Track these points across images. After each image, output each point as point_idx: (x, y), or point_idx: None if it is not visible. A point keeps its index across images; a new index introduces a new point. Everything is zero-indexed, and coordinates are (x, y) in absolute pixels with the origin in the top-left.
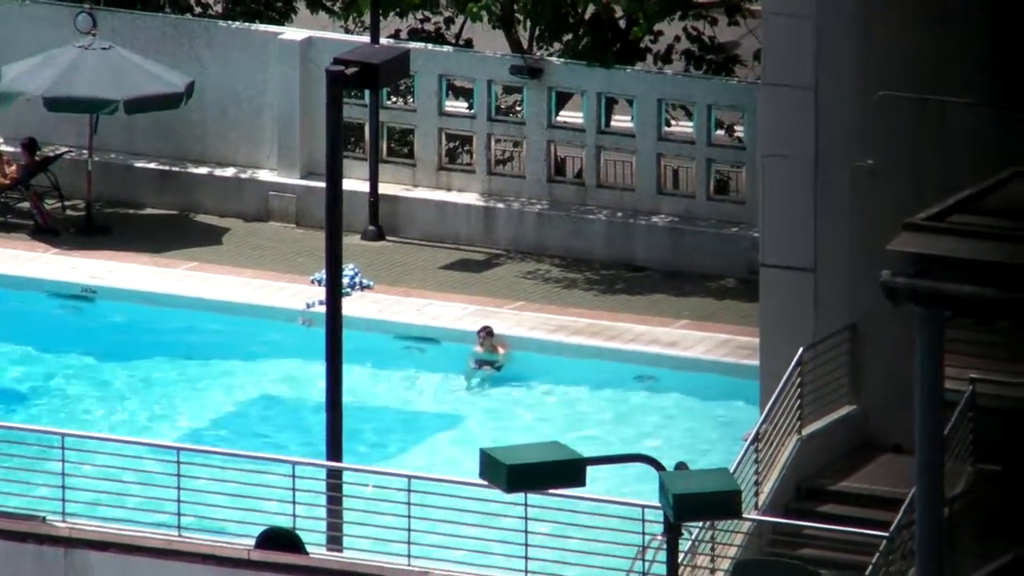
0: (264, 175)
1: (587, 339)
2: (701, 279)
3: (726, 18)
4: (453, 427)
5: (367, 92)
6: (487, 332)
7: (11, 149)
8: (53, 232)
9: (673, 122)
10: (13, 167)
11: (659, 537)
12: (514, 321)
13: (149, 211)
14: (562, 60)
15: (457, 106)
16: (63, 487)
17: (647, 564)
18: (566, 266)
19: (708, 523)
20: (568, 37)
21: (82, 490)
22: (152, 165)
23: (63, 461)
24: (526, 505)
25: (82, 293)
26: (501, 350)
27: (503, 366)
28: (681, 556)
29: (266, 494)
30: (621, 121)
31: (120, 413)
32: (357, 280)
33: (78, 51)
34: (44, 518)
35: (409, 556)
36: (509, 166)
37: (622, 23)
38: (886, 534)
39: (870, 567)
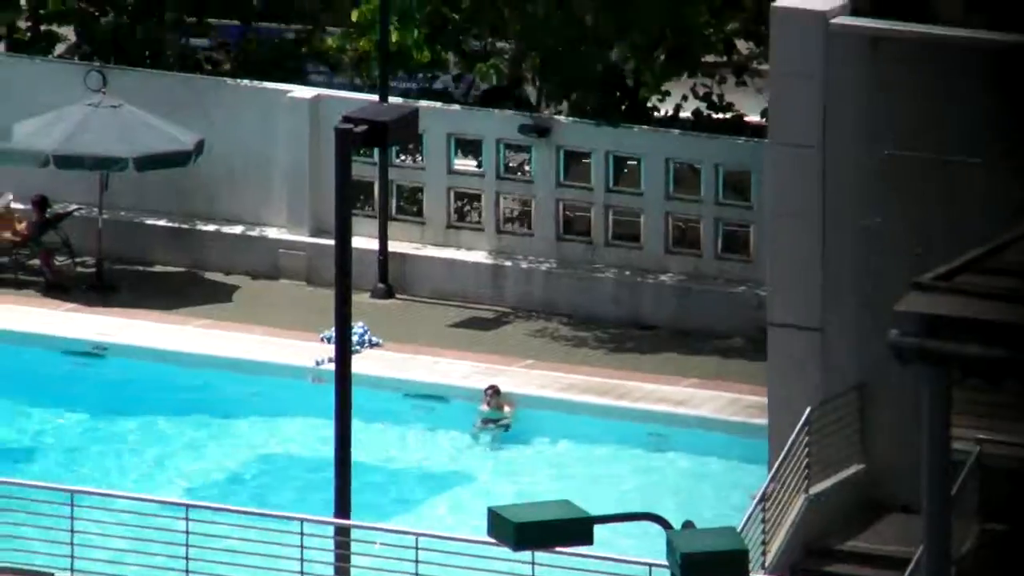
0: (273, 232)
1: (596, 397)
2: (709, 338)
3: (734, 78)
4: (462, 485)
5: (376, 150)
6: (494, 391)
7: (22, 206)
8: (63, 289)
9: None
10: (24, 224)
11: None
12: (524, 379)
13: (159, 268)
14: (570, 119)
15: (466, 164)
16: (72, 544)
17: None
18: (575, 324)
19: None
20: (576, 96)
21: (91, 547)
22: (162, 222)
23: (72, 518)
24: (533, 563)
25: (92, 350)
26: (508, 408)
27: (510, 425)
28: None
29: (275, 551)
30: (629, 180)
31: (129, 470)
32: (366, 338)
33: (88, 109)
34: (53, 575)
35: None
36: (518, 224)
37: (630, 83)
38: None
39: None
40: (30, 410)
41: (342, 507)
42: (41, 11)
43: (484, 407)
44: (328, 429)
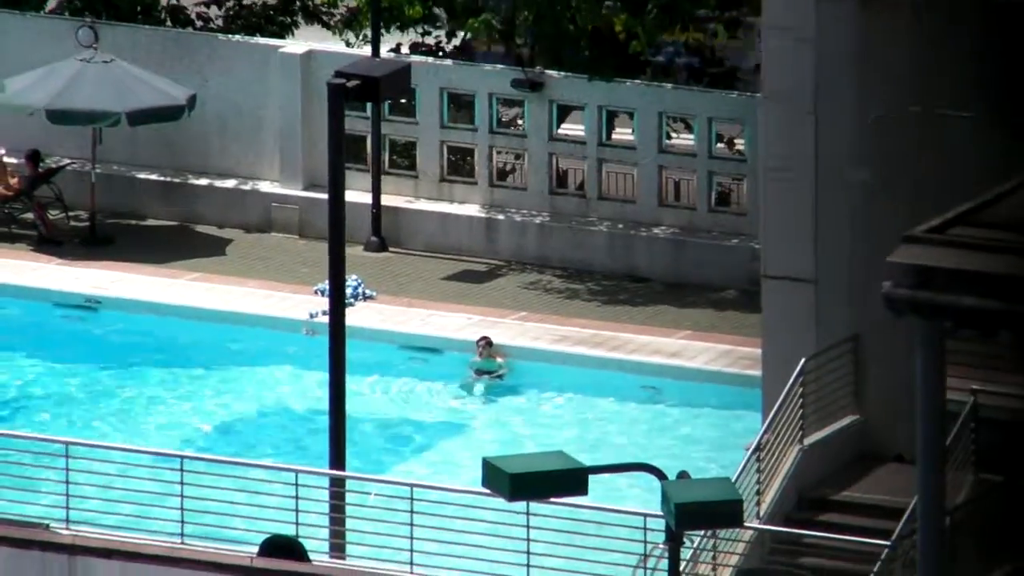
0: (266, 187)
1: (590, 349)
2: (703, 290)
3: (726, 32)
4: (456, 436)
5: (369, 104)
6: (486, 342)
7: (15, 161)
8: (57, 243)
9: (674, 135)
10: (16, 179)
11: (661, 546)
12: (517, 331)
13: (152, 222)
14: (563, 74)
15: (459, 120)
16: (67, 495)
17: (649, 573)
18: (568, 277)
19: (710, 532)
20: (568, 51)
21: (86, 498)
22: (155, 177)
23: (67, 469)
24: (528, 514)
25: (85, 303)
26: (500, 359)
27: (503, 375)
28: (683, 565)
29: (269, 502)
30: (622, 134)
31: (123, 421)
32: (360, 291)
33: (80, 64)
34: (48, 525)
35: (412, 564)
36: (511, 178)
37: (622, 36)
38: (888, 543)
39: None
40: (23, 363)
41: (337, 458)
42: None
43: (477, 358)
44: (322, 381)
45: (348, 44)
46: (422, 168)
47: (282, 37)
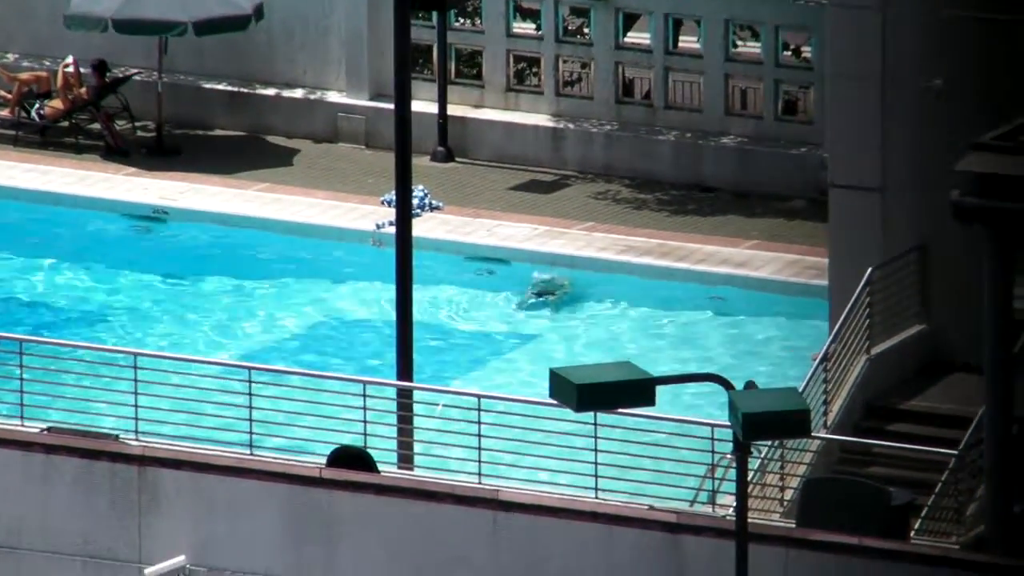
0: (333, 96)
1: (657, 259)
2: (770, 200)
3: None
4: (522, 347)
5: (435, 13)
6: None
7: (82, 71)
8: (124, 153)
9: (740, 43)
10: (84, 88)
11: (728, 456)
12: (584, 242)
13: (219, 132)
14: None
15: (525, 27)
16: (136, 406)
17: (716, 483)
18: (635, 187)
19: (777, 442)
20: None
21: (155, 408)
22: (221, 86)
23: (136, 380)
24: (596, 424)
25: (153, 214)
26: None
27: (566, 288)
28: (750, 475)
29: (337, 413)
30: (688, 42)
31: (192, 333)
32: (427, 201)
33: None
34: (118, 436)
35: (480, 475)
36: (577, 87)
37: None
38: (955, 452)
39: (939, 485)
40: (92, 275)
41: (404, 369)
42: None
43: (536, 274)
44: (389, 293)
45: None
46: (488, 77)
47: None
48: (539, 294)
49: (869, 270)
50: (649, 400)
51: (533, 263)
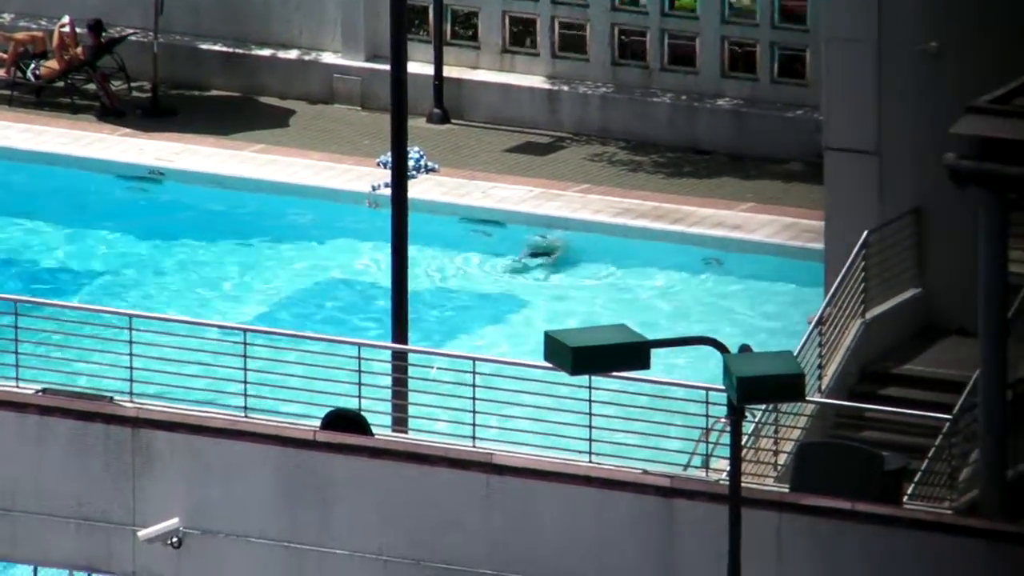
0: (328, 57)
1: (652, 222)
2: (765, 162)
3: None
4: (518, 310)
5: None
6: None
7: (78, 31)
8: (119, 113)
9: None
10: (79, 48)
11: (723, 420)
12: (579, 204)
13: (214, 93)
14: None
15: None
16: (131, 367)
17: (710, 446)
18: (630, 149)
19: (772, 406)
20: None
21: (149, 370)
22: (217, 47)
23: (131, 342)
24: (590, 387)
25: (149, 175)
26: (556, 239)
27: (560, 249)
28: (744, 439)
29: (332, 375)
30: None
31: (187, 294)
32: (422, 163)
33: None
34: (112, 398)
35: (474, 438)
36: (573, 49)
37: None
38: (949, 417)
39: (933, 449)
40: (87, 235)
41: (399, 332)
42: None
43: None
44: (384, 254)
45: None
46: (484, 39)
47: None
48: (534, 254)
49: (864, 233)
50: (644, 363)
51: (528, 225)
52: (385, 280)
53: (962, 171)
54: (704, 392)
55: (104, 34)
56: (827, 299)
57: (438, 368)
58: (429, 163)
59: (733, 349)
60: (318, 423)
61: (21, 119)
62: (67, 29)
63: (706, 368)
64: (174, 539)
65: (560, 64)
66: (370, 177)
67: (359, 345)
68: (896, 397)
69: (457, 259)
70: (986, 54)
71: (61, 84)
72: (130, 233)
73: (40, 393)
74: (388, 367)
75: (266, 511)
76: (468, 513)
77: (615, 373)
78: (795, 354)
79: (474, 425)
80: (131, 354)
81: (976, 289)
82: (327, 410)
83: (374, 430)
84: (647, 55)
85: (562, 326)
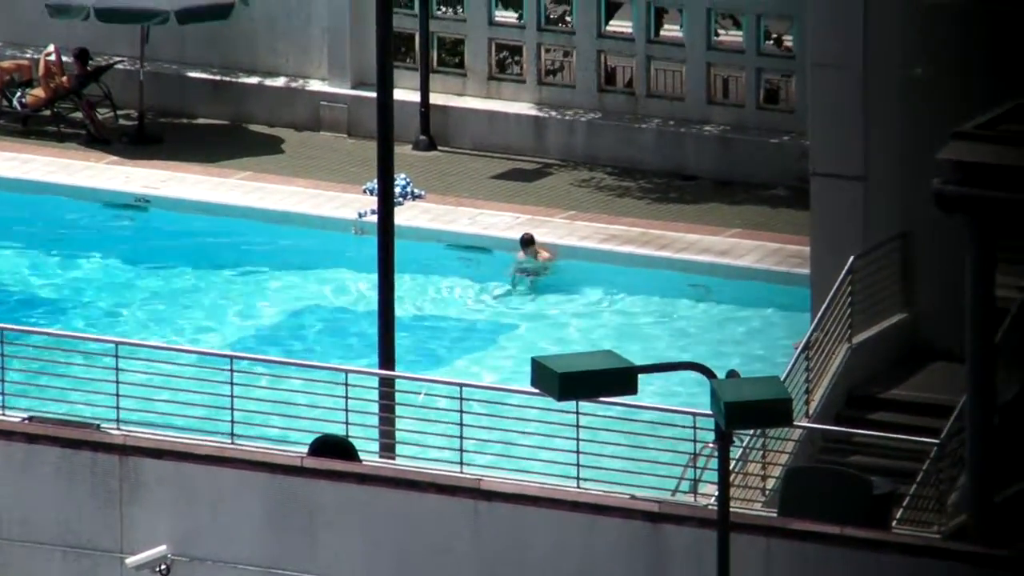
0: (315, 85)
1: (638, 248)
2: (752, 188)
3: None
4: (505, 336)
5: (417, 1)
6: (528, 238)
7: (64, 59)
8: (105, 141)
9: (722, 32)
10: (66, 77)
11: (710, 445)
12: (566, 230)
13: (201, 121)
14: None
15: (507, 16)
16: (117, 395)
17: (698, 472)
18: (617, 175)
19: (759, 431)
20: None
21: (136, 398)
22: (204, 75)
23: (117, 369)
24: (578, 413)
25: (135, 203)
26: (546, 255)
27: (547, 269)
28: (732, 464)
29: (319, 402)
30: (671, 30)
31: (173, 321)
32: (409, 190)
33: None
34: (99, 426)
35: (461, 463)
36: (559, 76)
37: None
38: (936, 441)
39: (921, 474)
40: (74, 263)
41: (386, 358)
42: None
43: (520, 255)
44: (371, 281)
45: None
46: (470, 66)
47: None
48: (522, 271)
49: (851, 258)
50: (631, 389)
51: (515, 251)
52: (372, 306)
53: (948, 196)
54: (692, 417)
55: (90, 62)
56: (814, 324)
57: (425, 394)
58: (415, 190)
59: (720, 374)
60: (305, 450)
61: (7, 147)
62: (53, 57)
63: (693, 394)
64: (162, 566)
65: (546, 91)
66: (356, 204)
67: (346, 371)
68: (883, 422)
69: (443, 285)
70: (971, 80)
71: (47, 112)
72: (117, 260)
73: (27, 421)
74: (375, 393)
75: (254, 538)
76: (456, 539)
77: (602, 399)
78: (782, 379)
79: (461, 451)
80: (118, 381)
81: (963, 314)
82: (314, 436)
83: (361, 456)
84: (633, 82)
85: (549, 352)
